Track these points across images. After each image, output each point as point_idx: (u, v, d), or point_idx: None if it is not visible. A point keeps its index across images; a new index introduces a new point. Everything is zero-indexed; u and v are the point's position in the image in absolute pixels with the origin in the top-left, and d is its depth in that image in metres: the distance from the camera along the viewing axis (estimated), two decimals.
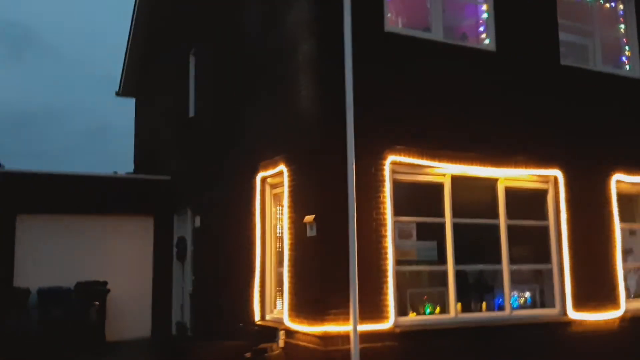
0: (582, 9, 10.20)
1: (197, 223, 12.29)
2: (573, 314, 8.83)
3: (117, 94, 18.90)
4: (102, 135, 77.73)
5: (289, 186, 8.24)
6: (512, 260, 8.69)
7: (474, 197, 8.74)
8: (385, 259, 7.62)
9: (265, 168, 9.01)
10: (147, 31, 16.96)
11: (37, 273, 12.34)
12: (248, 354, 8.30)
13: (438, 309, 8.17)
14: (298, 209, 7.97)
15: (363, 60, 7.81)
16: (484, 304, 8.54)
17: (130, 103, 19.75)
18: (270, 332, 8.41)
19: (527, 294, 9.06)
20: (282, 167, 8.46)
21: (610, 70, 10.13)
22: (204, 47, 12.65)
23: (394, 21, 8.57)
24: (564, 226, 9.03)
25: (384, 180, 7.79)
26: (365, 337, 7.23)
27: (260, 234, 9.12)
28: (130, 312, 13.14)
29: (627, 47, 10.47)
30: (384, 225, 7.70)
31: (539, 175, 9.10)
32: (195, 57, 13.20)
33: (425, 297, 8.25)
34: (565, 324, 8.80)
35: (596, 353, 8.76)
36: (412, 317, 7.93)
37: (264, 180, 9.21)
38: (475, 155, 8.50)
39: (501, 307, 8.60)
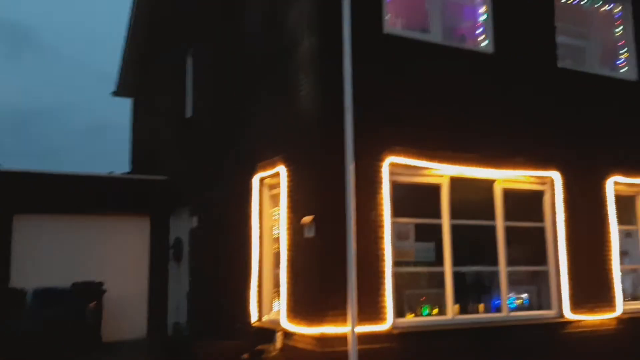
0: (579, 12, 10.22)
1: (194, 223, 12.27)
2: (570, 315, 8.86)
3: (114, 93, 18.85)
4: (99, 135, 77.63)
5: (287, 187, 8.24)
6: (510, 261, 8.72)
7: (472, 198, 8.75)
8: (383, 260, 7.63)
9: (263, 168, 9.00)
10: (145, 31, 16.92)
11: (33, 273, 12.29)
12: (245, 355, 8.29)
13: (436, 310, 8.18)
14: (296, 209, 7.97)
15: (362, 61, 7.81)
16: (481, 306, 8.56)
17: (127, 102, 19.71)
18: (267, 333, 8.40)
19: (524, 295, 9.08)
20: (280, 168, 8.46)
21: (607, 73, 10.17)
22: (201, 48, 12.64)
23: (393, 22, 8.57)
24: (561, 228, 9.06)
25: (382, 182, 7.80)
26: (363, 338, 7.23)
27: (257, 235, 9.11)
28: (126, 313, 13.10)
29: (624, 50, 10.50)
30: (382, 226, 7.71)
31: (536, 177, 9.13)
32: (192, 57, 13.18)
33: (423, 298, 8.26)
34: (563, 325, 8.83)
35: (593, 354, 8.79)
36: (410, 318, 7.93)
37: (261, 181, 9.20)
38: (473, 156, 8.51)
39: (498, 309, 8.61)
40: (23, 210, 12.71)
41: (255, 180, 9.23)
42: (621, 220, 9.75)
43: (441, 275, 8.22)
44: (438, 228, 8.29)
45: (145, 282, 13.54)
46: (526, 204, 9.20)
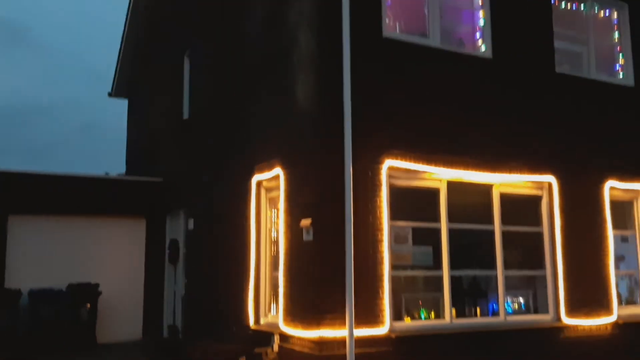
0: (577, 17, 10.27)
1: (190, 226, 12.24)
2: (566, 320, 8.89)
3: (110, 94, 18.80)
4: (93, 134, 77.30)
5: (285, 189, 8.24)
6: (506, 265, 8.74)
7: (469, 202, 8.77)
8: (382, 263, 7.64)
9: (261, 171, 8.99)
10: (142, 31, 16.89)
11: (28, 274, 12.24)
12: (242, 358, 8.30)
13: (433, 314, 8.19)
14: (294, 212, 7.97)
15: (361, 64, 7.82)
16: (478, 309, 8.58)
17: (122, 102, 19.65)
18: (264, 336, 8.39)
19: (521, 300, 9.11)
20: (278, 170, 8.45)
21: (604, 78, 10.22)
22: (199, 48, 12.61)
23: (392, 27, 8.59)
24: (558, 232, 9.09)
25: (380, 185, 7.81)
26: (360, 342, 7.23)
27: (255, 238, 9.09)
28: (121, 314, 13.07)
29: (620, 55, 10.56)
30: (380, 229, 7.72)
31: (534, 182, 9.16)
32: (190, 59, 13.16)
33: (420, 302, 8.27)
34: (559, 330, 8.86)
35: (589, 359, 8.81)
36: (407, 322, 7.94)
37: (259, 183, 9.19)
38: (471, 160, 8.54)
39: (495, 313, 8.64)
40: (18, 211, 12.66)
41: (253, 182, 9.22)
42: (617, 225, 9.80)
43: (439, 279, 8.24)
44: (436, 232, 8.30)
45: (140, 284, 13.51)
46: (523, 209, 9.24)
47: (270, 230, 9.09)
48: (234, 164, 10.21)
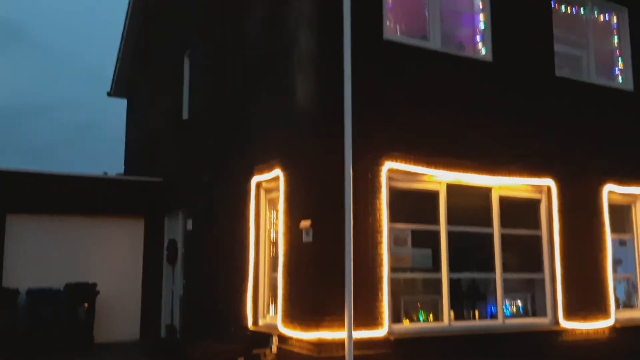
0: (577, 21, 10.30)
1: (189, 226, 12.24)
2: (564, 323, 8.91)
3: (109, 94, 18.79)
4: (92, 134, 77.21)
5: (285, 191, 8.24)
6: (505, 268, 8.76)
7: (469, 205, 8.79)
8: (381, 265, 7.65)
9: (261, 172, 9.00)
10: (141, 32, 16.89)
11: (26, 273, 12.22)
12: (240, 359, 8.28)
13: (431, 317, 8.20)
14: (294, 214, 7.97)
15: (361, 66, 7.83)
16: (476, 312, 8.59)
17: (120, 102, 19.65)
18: (263, 337, 8.39)
19: (519, 303, 9.13)
20: (278, 172, 8.46)
21: (604, 82, 10.25)
22: (199, 49, 12.62)
23: (393, 29, 8.60)
24: (556, 236, 9.11)
25: (380, 187, 7.82)
26: (359, 344, 7.23)
27: (254, 239, 9.10)
28: (119, 314, 13.05)
29: (620, 60, 10.59)
30: (380, 231, 7.73)
31: (533, 185, 9.18)
32: (190, 58, 13.16)
33: (419, 304, 8.28)
34: (557, 333, 8.88)
35: None
36: (406, 324, 7.95)
37: (258, 184, 9.19)
38: (471, 163, 8.55)
39: (493, 316, 8.65)
40: (16, 210, 12.64)
41: (252, 183, 9.22)
42: (615, 228, 9.83)
43: (438, 281, 8.25)
44: (435, 234, 8.31)
45: (138, 284, 13.49)
46: (522, 212, 9.25)
47: (270, 232, 9.10)
48: (233, 165, 10.22)
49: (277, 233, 8.61)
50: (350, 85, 7.62)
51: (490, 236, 8.75)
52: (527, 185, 9.14)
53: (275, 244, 8.83)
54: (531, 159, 9.11)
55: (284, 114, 8.60)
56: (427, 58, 8.58)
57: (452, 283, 8.32)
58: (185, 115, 13.15)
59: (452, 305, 8.25)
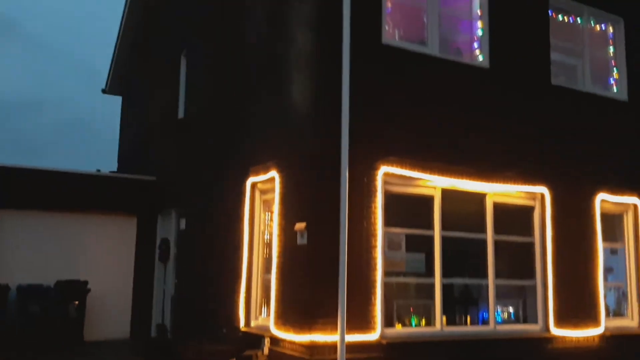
0: (573, 30, 10.37)
1: (182, 225, 12.21)
2: (555, 330, 8.95)
3: (104, 91, 18.73)
4: (85, 130, 76.78)
5: (280, 192, 8.24)
6: (497, 274, 8.79)
7: (463, 210, 8.82)
8: (375, 269, 7.66)
9: (256, 173, 8.99)
10: (138, 31, 16.83)
11: (17, 269, 12.13)
12: None
13: (424, 321, 8.22)
14: (288, 216, 7.97)
15: (359, 70, 7.84)
16: (468, 318, 8.62)
17: (114, 99, 19.59)
18: (254, 338, 8.38)
19: (511, 309, 9.17)
20: (273, 173, 8.45)
21: (599, 92, 10.32)
22: (197, 47, 12.60)
23: (391, 34, 8.63)
24: (549, 243, 9.16)
25: (376, 191, 7.84)
26: (351, 347, 7.24)
27: (248, 240, 9.09)
28: (110, 312, 12.98)
29: (615, 70, 10.67)
30: (374, 235, 7.74)
31: (527, 192, 9.23)
32: (187, 58, 13.13)
33: (412, 308, 8.30)
34: (547, 340, 8.92)
35: None
36: (398, 328, 7.97)
37: (254, 185, 9.19)
38: (466, 169, 8.59)
39: (485, 321, 8.68)
40: (7, 206, 12.54)
41: (247, 184, 9.21)
42: (606, 237, 9.89)
43: (431, 286, 8.27)
44: (429, 239, 8.34)
45: (130, 282, 13.43)
46: (516, 219, 9.29)
47: (264, 233, 9.09)
48: (228, 165, 10.20)
49: (271, 234, 8.60)
50: (348, 87, 7.63)
51: (483, 242, 8.78)
52: (521, 192, 9.18)
53: (269, 245, 8.83)
54: (526, 166, 9.16)
55: (280, 115, 8.60)
56: (425, 63, 8.61)
57: (445, 288, 8.34)
58: (181, 115, 13.12)
59: (445, 311, 8.27)
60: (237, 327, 8.90)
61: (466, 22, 9.50)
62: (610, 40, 10.79)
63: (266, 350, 8.03)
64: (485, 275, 8.73)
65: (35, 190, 12.78)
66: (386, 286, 7.82)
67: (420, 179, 8.27)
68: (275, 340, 7.95)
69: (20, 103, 71.69)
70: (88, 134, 72.98)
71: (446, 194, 8.52)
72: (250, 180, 9.16)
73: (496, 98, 9.12)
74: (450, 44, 9.35)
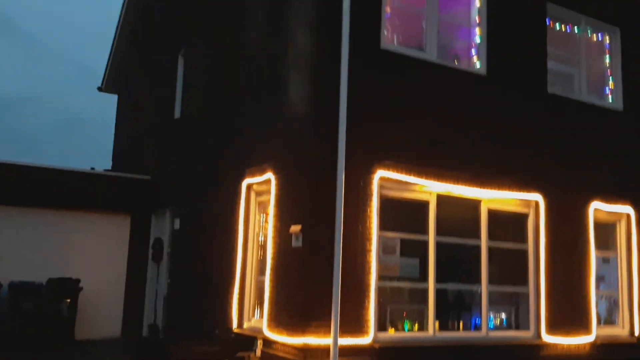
0: (570, 39, 10.43)
1: (176, 225, 12.18)
2: (546, 337, 8.99)
3: (100, 89, 18.68)
4: (79, 128, 76.57)
5: (276, 195, 8.24)
6: (491, 281, 8.82)
7: (458, 216, 8.84)
8: (369, 273, 7.67)
9: (252, 174, 8.99)
10: (136, 29, 16.81)
11: (8, 267, 12.07)
12: None
13: (417, 326, 8.23)
14: (284, 218, 7.98)
15: (359, 73, 7.86)
16: (461, 323, 8.64)
17: (108, 98, 19.53)
18: (247, 340, 8.37)
19: (503, 315, 9.20)
20: (269, 175, 8.46)
21: (595, 101, 10.38)
22: (195, 48, 12.59)
23: (390, 39, 8.66)
24: (542, 250, 9.20)
25: (371, 195, 7.85)
26: (344, 350, 7.24)
27: (242, 241, 9.08)
28: (101, 311, 12.92)
29: (611, 79, 10.74)
30: (369, 239, 7.75)
31: (521, 200, 9.27)
32: (184, 58, 13.12)
33: (405, 313, 8.31)
34: (539, 347, 8.95)
35: None
36: (391, 333, 7.97)
37: (249, 186, 9.19)
38: (461, 175, 8.62)
39: (477, 327, 8.71)
40: (0, 202, 12.49)
41: (243, 186, 9.21)
42: (599, 246, 9.95)
43: (424, 291, 8.29)
44: (423, 244, 8.36)
45: (122, 282, 13.37)
46: (510, 225, 9.34)
47: (258, 235, 9.09)
48: (224, 166, 10.20)
49: (266, 236, 8.61)
50: (346, 90, 7.65)
51: (477, 248, 8.81)
52: (516, 199, 9.22)
53: (263, 247, 8.83)
54: (521, 173, 9.19)
55: (278, 115, 8.61)
56: (423, 68, 8.63)
57: (439, 293, 8.36)
58: (177, 115, 13.10)
59: (438, 316, 8.29)
60: (230, 328, 8.89)
61: (464, 29, 9.54)
62: (607, 50, 10.86)
63: (258, 352, 8.02)
64: (478, 281, 8.76)
65: (28, 187, 12.72)
66: (380, 290, 7.83)
67: (416, 183, 8.29)
68: (267, 342, 7.94)
69: (15, 100, 71.44)
70: (82, 131, 72.83)
71: (441, 199, 8.55)
72: (246, 182, 9.17)
73: (493, 105, 9.16)
74: (448, 50, 9.38)
